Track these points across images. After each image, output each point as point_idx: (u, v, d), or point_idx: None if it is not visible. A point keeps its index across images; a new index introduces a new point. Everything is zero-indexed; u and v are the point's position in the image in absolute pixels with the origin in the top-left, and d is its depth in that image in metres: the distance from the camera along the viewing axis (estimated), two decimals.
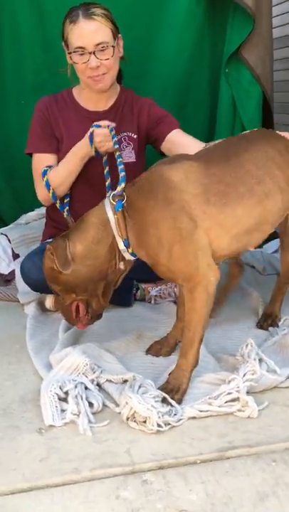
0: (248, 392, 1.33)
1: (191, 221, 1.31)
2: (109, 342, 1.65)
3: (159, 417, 1.23)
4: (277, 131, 1.66)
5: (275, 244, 2.50)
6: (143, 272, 1.94)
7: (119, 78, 2.00)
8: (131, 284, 1.95)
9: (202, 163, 1.40)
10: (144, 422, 1.24)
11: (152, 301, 1.97)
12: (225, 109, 2.57)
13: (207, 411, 1.28)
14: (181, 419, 1.27)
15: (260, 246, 2.53)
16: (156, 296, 1.97)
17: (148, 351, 1.62)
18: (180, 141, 1.92)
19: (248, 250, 1.53)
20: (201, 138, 2.68)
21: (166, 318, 1.83)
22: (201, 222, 1.32)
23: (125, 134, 1.95)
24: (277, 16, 3.52)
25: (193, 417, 1.29)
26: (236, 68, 2.49)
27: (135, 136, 1.96)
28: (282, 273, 1.78)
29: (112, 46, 1.78)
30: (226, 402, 1.30)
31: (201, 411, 1.27)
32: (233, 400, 1.30)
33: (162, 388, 1.35)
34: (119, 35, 1.86)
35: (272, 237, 2.54)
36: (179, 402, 1.32)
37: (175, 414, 1.27)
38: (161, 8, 2.47)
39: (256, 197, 1.39)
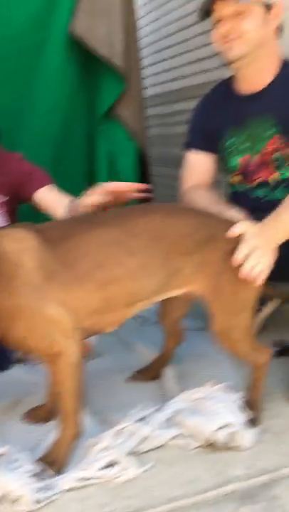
0: (133, 453, 1.28)
1: (34, 295, 1.24)
2: None
3: (34, 494, 1.13)
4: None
5: None
6: None
7: None
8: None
9: (42, 235, 1.30)
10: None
11: (32, 363, 1.86)
12: (102, 164, 2.62)
13: (86, 479, 1.19)
14: (56, 493, 1.17)
15: None
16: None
17: (25, 418, 1.51)
18: (47, 200, 1.86)
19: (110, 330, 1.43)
20: (79, 194, 2.71)
21: (44, 379, 1.73)
22: (47, 296, 1.25)
23: None
24: (150, 76, 3.72)
25: (72, 488, 1.20)
26: (112, 125, 2.56)
27: (5, 199, 1.88)
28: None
29: None
30: (105, 465, 1.22)
31: (78, 479, 1.18)
32: (112, 465, 1.23)
33: (41, 460, 1.25)
34: None
35: None
36: (58, 473, 1.23)
37: (51, 489, 1.16)
38: (35, 63, 2.49)
39: (94, 281, 1.30)
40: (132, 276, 1.34)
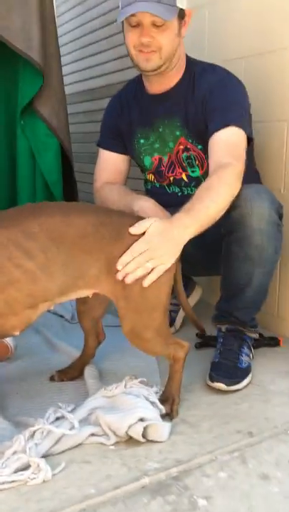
0: (48, 455, 1.26)
1: None
2: None
3: None
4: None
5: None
6: None
7: None
8: None
9: None
10: None
11: None
12: (24, 161, 2.57)
13: None
14: None
15: None
16: None
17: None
18: None
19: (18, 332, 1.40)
20: (3, 191, 2.65)
21: None
22: None
23: None
24: (75, 72, 3.68)
25: None
26: (32, 121, 2.50)
27: None
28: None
29: None
30: (16, 469, 1.20)
31: None
32: (25, 468, 1.21)
33: None
34: None
35: None
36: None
37: None
38: None
39: None
40: (31, 279, 1.31)
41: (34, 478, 1.19)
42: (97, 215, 1.41)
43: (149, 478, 1.21)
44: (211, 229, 1.66)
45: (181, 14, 1.60)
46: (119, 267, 1.33)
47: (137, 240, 1.35)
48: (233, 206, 1.53)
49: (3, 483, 1.18)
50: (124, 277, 1.34)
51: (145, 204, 1.65)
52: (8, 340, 1.84)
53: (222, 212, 1.47)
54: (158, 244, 1.35)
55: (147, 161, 1.85)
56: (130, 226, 1.37)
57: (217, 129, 1.58)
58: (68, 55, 3.76)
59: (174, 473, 1.22)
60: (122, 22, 1.61)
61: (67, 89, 3.64)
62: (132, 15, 1.55)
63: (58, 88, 2.53)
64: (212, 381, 1.56)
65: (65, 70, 3.58)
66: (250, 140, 1.62)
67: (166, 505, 1.12)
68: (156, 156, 1.82)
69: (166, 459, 1.27)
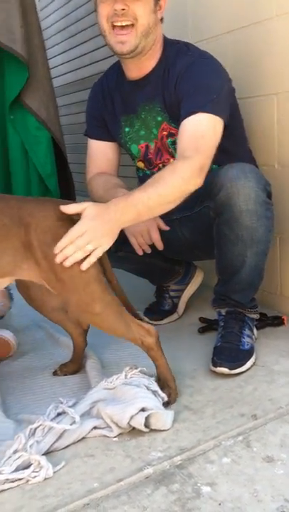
0: (51, 451, 1.25)
1: None
2: None
3: None
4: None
5: None
6: None
7: None
8: None
9: None
10: None
11: None
12: (16, 155, 2.56)
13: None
14: None
15: None
16: None
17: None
18: None
19: None
20: None
21: None
22: None
23: None
24: (64, 63, 3.64)
25: None
26: (21, 114, 2.49)
27: None
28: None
29: None
30: (18, 468, 1.19)
31: None
32: (27, 466, 1.20)
33: None
34: None
35: None
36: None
37: None
38: None
39: None
40: None
41: (36, 476, 1.18)
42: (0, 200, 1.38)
43: (153, 468, 1.19)
44: (205, 212, 1.63)
45: None
46: (56, 250, 1.29)
47: (40, 224, 1.32)
48: (220, 188, 1.50)
49: (4, 482, 1.17)
50: (62, 261, 1.30)
51: None
52: (10, 338, 1.84)
53: (168, 206, 1.44)
54: (96, 226, 1.32)
55: (134, 149, 1.82)
56: (31, 209, 1.34)
57: (184, 117, 1.53)
58: (56, 46, 3.72)
59: (177, 461, 1.20)
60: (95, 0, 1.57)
61: (58, 81, 3.61)
62: None
63: (44, 80, 2.51)
64: (215, 366, 1.54)
65: (54, 61, 3.56)
66: (226, 125, 1.56)
67: (170, 494, 1.11)
68: (143, 143, 1.79)
69: (170, 447, 1.25)
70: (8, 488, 1.17)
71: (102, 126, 1.84)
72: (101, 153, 1.84)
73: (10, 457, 1.19)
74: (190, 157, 1.46)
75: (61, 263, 1.30)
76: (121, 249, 1.80)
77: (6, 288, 1.86)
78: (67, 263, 1.30)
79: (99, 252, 1.34)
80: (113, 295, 1.42)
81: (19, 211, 1.34)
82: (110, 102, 1.81)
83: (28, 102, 2.43)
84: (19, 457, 1.19)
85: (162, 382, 1.44)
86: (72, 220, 1.35)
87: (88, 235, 1.31)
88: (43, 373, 1.70)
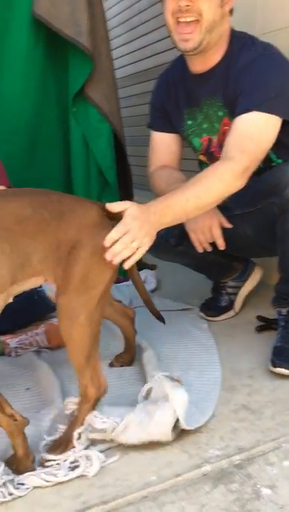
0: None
1: None
2: None
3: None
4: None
5: (141, 275, 2.49)
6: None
7: None
8: None
9: None
10: None
11: (13, 354, 1.85)
12: (77, 147, 2.57)
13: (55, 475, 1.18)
14: (28, 488, 1.16)
15: (127, 278, 2.52)
16: (16, 347, 1.85)
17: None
18: None
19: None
20: (57, 178, 2.67)
21: (25, 371, 1.72)
22: None
23: None
24: (125, 55, 3.64)
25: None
26: (84, 107, 2.50)
27: None
28: None
29: None
30: (73, 461, 1.21)
31: (47, 481, 1.17)
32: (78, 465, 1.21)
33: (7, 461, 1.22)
34: None
35: (138, 269, 2.58)
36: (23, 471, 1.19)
37: (22, 484, 1.15)
38: (0, 51, 2.43)
39: None
40: None
41: (93, 465, 1.20)
42: (33, 196, 1.30)
43: (211, 465, 1.19)
44: (269, 208, 1.60)
45: None
46: (107, 243, 1.26)
47: (80, 219, 1.28)
48: (286, 184, 1.46)
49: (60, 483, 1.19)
50: (111, 259, 1.26)
51: None
52: None
53: (206, 207, 1.43)
54: (138, 225, 1.30)
55: (196, 142, 1.80)
56: (72, 205, 1.29)
57: (238, 114, 1.50)
58: (118, 37, 3.73)
59: (236, 461, 1.19)
60: None
61: (119, 73, 3.62)
62: None
63: (108, 72, 2.51)
64: (274, 366, 1.51)
65: (115, 53, 3.57)
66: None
67: (229, 493, 1.10)
68: (205, 137, 1.76)
69: (228, 446, 1.24)
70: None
71: (165, 118, 1.83)
72: (164, 146, 1.84)
73: (65, 460, 1.21)
74: (234, 158, 1.44)
75: (84, 255, 1.25)
76: (181, 244, 1.79)
77: None
78: (115, 261, 1.28)
79: (142, 252, 1.32)
80: (99, 324, 1.32)
81: (59, 206, 1.29)
82: (174, 94, 1.79)
83: (91, 95, 2.45)
84: (66, 459, 1.21)
85: (60, 441, 1.28)
86: (109, 222, 1.31)
87: (132, 233, 1.29)
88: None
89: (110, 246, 1.26)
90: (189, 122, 1.78)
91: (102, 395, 1.32)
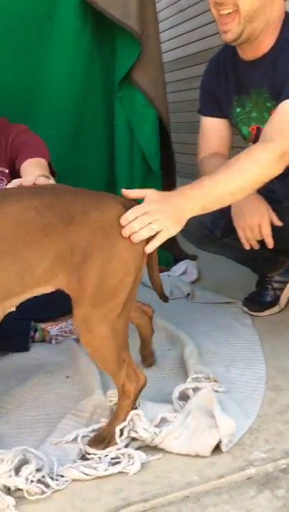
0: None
1: None
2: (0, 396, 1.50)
3: (32, 481, 1.10)
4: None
5: (181, 266, 2.45)
6: (40, 311, 1.83)
7: None
8: (27, 325, 1.82)
9: None
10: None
11: (53, 341, 1.84)
12: (121, 133, 2.54)
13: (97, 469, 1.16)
14: (67, 481, 1.14)
15: (167, 268, 2.49)
16: (57, 335, 1.85)
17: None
18: (21, 174, 1.67)
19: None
20: (101, 163, 2.64)
21: (66, 358, 1.71)
22: None
23: None
24: (172, 38, 3.56)
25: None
26: (129, 92, 2.46)
27: (7, 171, 1.82)
28: None
29: None
30: (114, 457, 1.18)
31: (86, 474, 1.15)
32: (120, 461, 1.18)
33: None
34: None
35: (179, 259, 2.54)
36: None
37: (61, 476, 1.14)
38: (48, 33, 2.41)
39: None
40: None
41: (134, 462, 1.17)
42: (39, 197, 1.16)
43: (256, 468, 1.15)
44: None
45: None
46: (123, 221, 1.16)
47: (94, 222, 1.15)
48: None
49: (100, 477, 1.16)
50: (129, 235, 1.17)
51: None
52: None
53: (242, 193, 1.31)
54: (159, 208, 1.20)
55: (245, 130, 1.73)
56: (85, 206, 1.16)
57: (282, 99, 1.43)
58: (165, 20, 3.64)
59: (282, 465, 1.15)
60: None
61: (166, 57, 3.54)
62: None
63: (155, 56, 2.46)
64: None
65: (162, 36, 3.48)
66: None
67: (275, 500, 1.06)
68: (254, 125, 1.70)
69: (274, 449, 1.20)
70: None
71: (215, 103, 1.78)
72: (214, 131, 1.78)
73: (106, 455, 1.19)
74: (271, 140, 1.36)
75: (99, 262, 1.15)
76: (227, 236, 1.74)
77: None
78: (135, 239, 1.18)
79: (164, 236, 1.22)
80: (126, 325, 1.23)
81: (69, 206, 1.16)
82: (224, 79, 1.73)
83: (138, 79, 2.40)
84: (107, 454, 1.18)
85: (104, 436, 1.23)
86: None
87: (151, 215, 1.19)
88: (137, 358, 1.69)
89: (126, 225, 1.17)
90: (238, 110, 1.72)
91: (142, 388, 1.27)
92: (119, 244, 1.16)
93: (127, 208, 1.20)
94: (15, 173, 1.81)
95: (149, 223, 1.19)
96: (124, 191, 1.25)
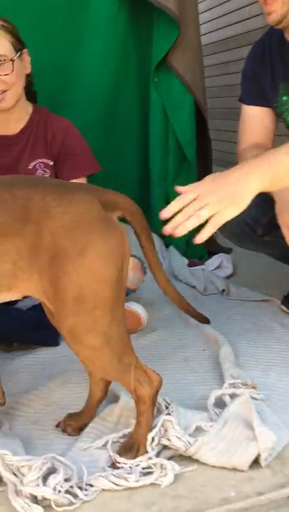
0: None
1: None
2: (28, 393, 1.45)
3: (60, 491, 1.04)
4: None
5: (216, 260, 2.37)
6: None
7: (33, 97, 1.82)
8: None
9: None
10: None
11: None
12: (156, 119, 2.46)
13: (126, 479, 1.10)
14: (96, 491, 1.09)
15: (201, 262, 2.41)
16: None
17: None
18: None
19: None
20: (134, 150, 2.57)
21: None
22: None
23: (40, 160, 1.75)
24: (208, 21, 3.43)
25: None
26: (166, 77, 2.37)
27: (51, 163, 1.76)
28: None
29: (12, 60, 1.60)
30: (145, 467, 1.12)
31: (117, 485, 1.10)
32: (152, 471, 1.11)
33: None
34: (24, 50, 1.68)
35: (213, 252, 2.45)
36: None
37: (90, 486, 1.09)
38: (83, 18, 2.35)
39: None
40: None
41: (167, 473, 1.11)
42: (10, 188, 1.02)
43: None
44: None
45: None
46: (165, 214, 1.04)
47: (57, 219, 0.99)
48: None
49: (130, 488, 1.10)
50: (174, 229, 1.03)
51: None
52: (140, 312, 1.79)
53: None
54: (213, 189, 1.06)
55: None
56: (44, 201, 1.01)
57: None
58: (203, 2, 3.51)
59: None
60: None
61: (202, 40, 3.42)
62: None
63: (194, 40, 2.36)
64: None
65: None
66: None
67: None
68: None
69: None
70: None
71: (258, 90, 1.68)
72: (257, 120, 1.69)
73: (137, 465, 1.12)
74: None
75: (71, 271, 0.99)
76: (268, 234, 1.65)
77: (140, 260, 1.80)
78: (179, 233, 1.05)
79: (219, 221, 1.07)
80: (123, 328, 1.08)
81: (25, 202, 1.01)
82: (270, 65, 1.63)
83: (175, 64, 2.31)
84: (138, 464, 1.12)
85: (133, 442, 1.15)
86: (105, 219, 1.02)
87: (201, 199, 1.05)
88: (174, 356, 1.62)
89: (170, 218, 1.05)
90: (284, 98, 1.62)
91: (157, 390, 1.14)
92: (90, 249, 1.00)
93: (104, 203, 1.03)
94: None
95: (199, 209, 1.05)
96: (178, 189, 1.10)
